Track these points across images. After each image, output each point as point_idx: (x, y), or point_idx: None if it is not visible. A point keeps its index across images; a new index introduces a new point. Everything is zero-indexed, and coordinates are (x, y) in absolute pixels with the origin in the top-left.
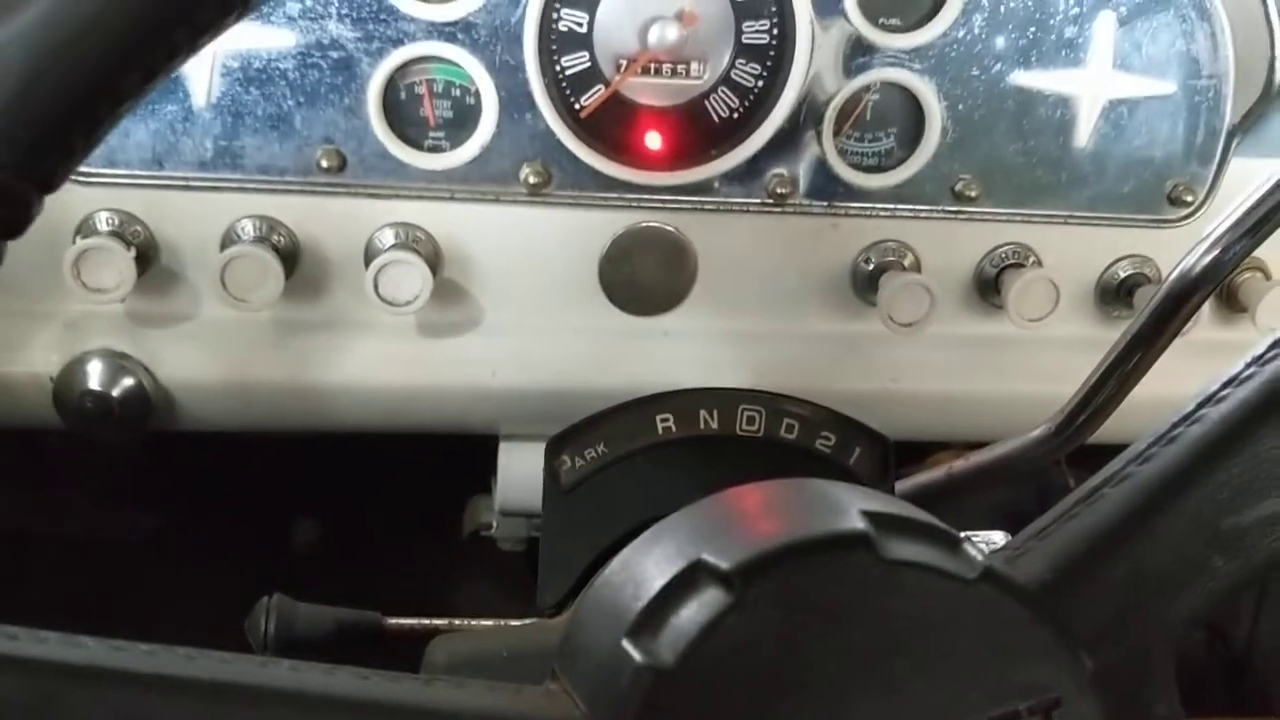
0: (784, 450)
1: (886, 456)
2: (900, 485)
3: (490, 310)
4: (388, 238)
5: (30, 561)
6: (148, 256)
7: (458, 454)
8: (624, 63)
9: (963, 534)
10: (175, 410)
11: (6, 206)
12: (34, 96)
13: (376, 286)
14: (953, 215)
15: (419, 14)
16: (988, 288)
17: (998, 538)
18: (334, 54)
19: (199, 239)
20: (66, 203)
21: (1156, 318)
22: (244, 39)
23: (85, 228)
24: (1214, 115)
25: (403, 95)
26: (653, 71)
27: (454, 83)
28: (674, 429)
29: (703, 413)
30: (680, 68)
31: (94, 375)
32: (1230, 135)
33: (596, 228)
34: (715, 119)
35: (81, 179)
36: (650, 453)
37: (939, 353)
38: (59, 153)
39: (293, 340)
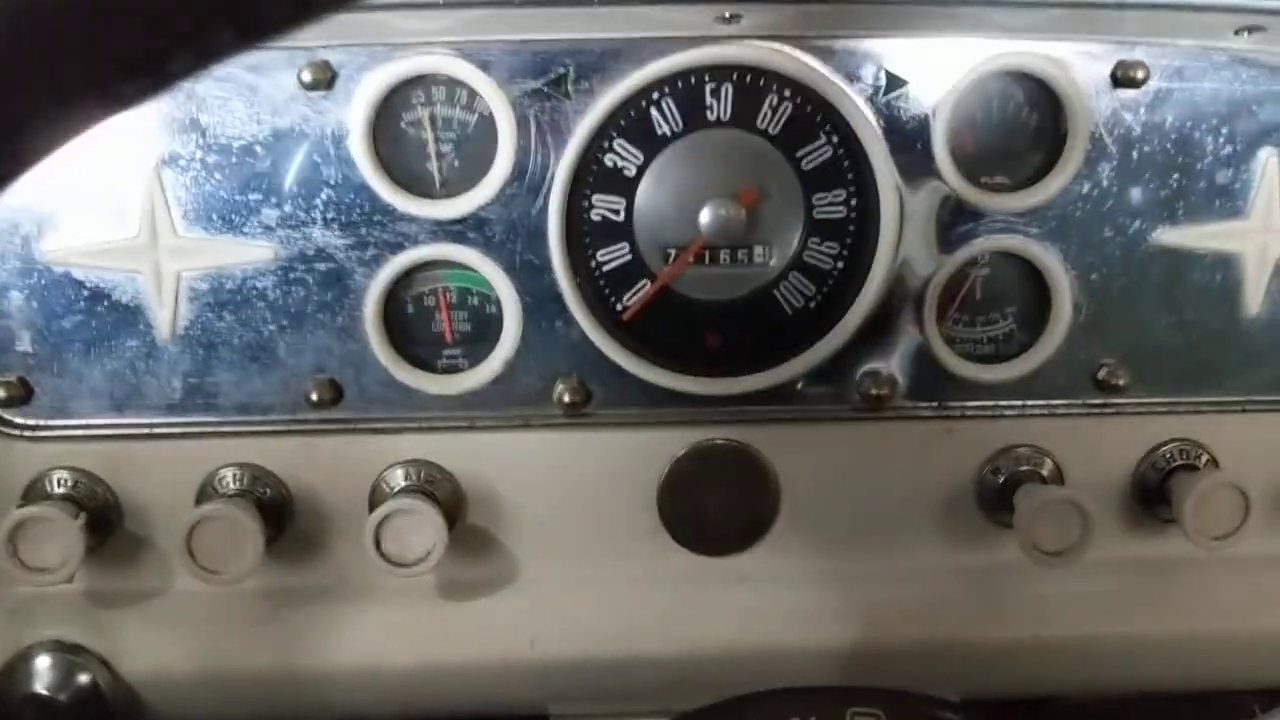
0: None
1: None
2: None
3: (525, 563)
4: (397, 479)
5: None
6: (108, 522)
7: None
8: (673, 253)
9: None
10: (142, 711)
11: None
12: None
13: (379, 543)
14: (1098, 410)
15: (420, 212)
16: (1152, 498)
17: None
18: (321, 266)
19: (170, 497)
20: (12, 463)
21: None
22: (214, 254)
23: (33, 492)
24: None
25: (409, 309)
26: (707, 260)
27: (469, 290)
28: None
29: None
30: (741, 254)
31: (39, 675)
32: None
33: (651, 451)
34: (788, 311)
35: (30, 434)
36: None
37: (1096, 584)
38: None
39: (283, 615)
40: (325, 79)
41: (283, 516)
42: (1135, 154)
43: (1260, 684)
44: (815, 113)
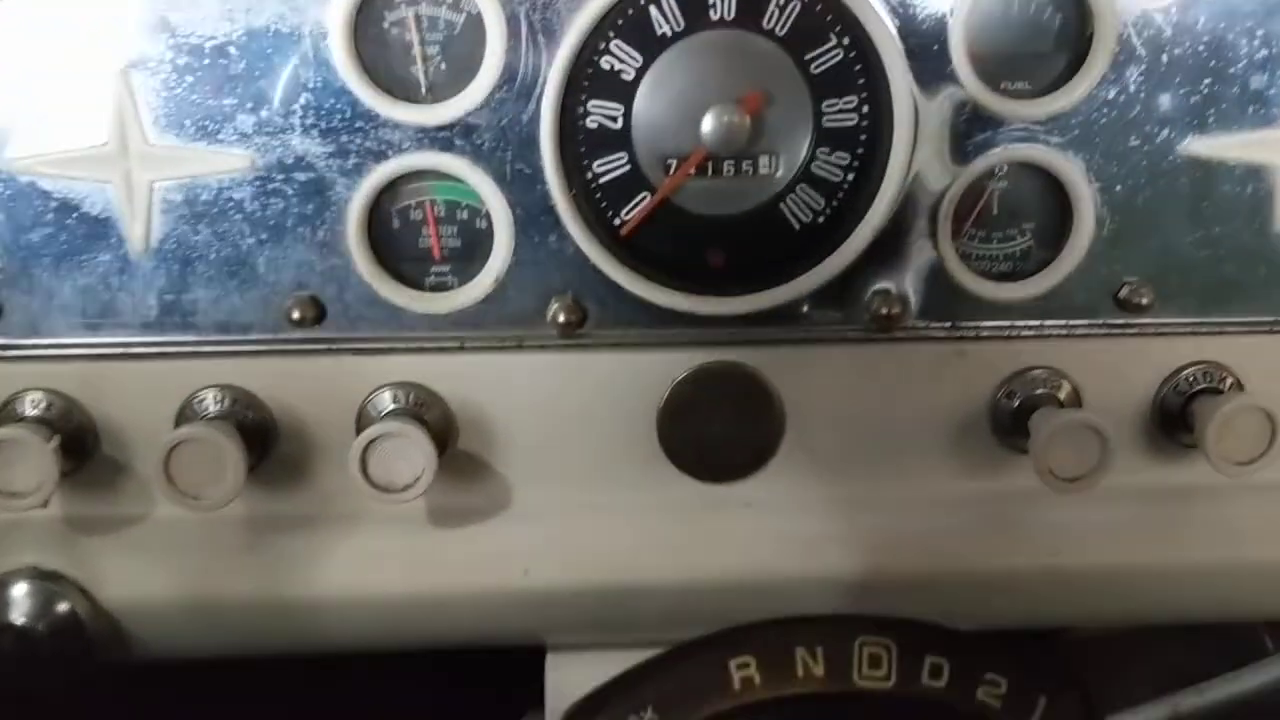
0: (930, 713)
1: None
2: None
3: (519, 489)
4: (385, 402)
5: None
6: (83, 446)
7: (498, 667)
8: (673, 163)
9: None
10: (123, 640)
11: None
12: None
13: (365, 469)
14: (1119, 330)
15: (404, 118)
16: (1174, 423)
17: None
18: (301, 176)
19: (148, 419)
20: None
21: None
22: (187, 163)
23: (4, 414)
24: None
25: (395, 223)
26: (710, 172)
27: (458, 203)
28: (758, 681)
29: (801, 654)
30: (746, 165)
31: (16, 604)
32: None
33: (650, 373)
34: (795, 226)
35: (2, 353)
36: None
37: (1113, 512)
38: None
39: (267, 542)
40: None
41: (266, 440)
42: (1165, 58)
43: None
44: (825, 12)
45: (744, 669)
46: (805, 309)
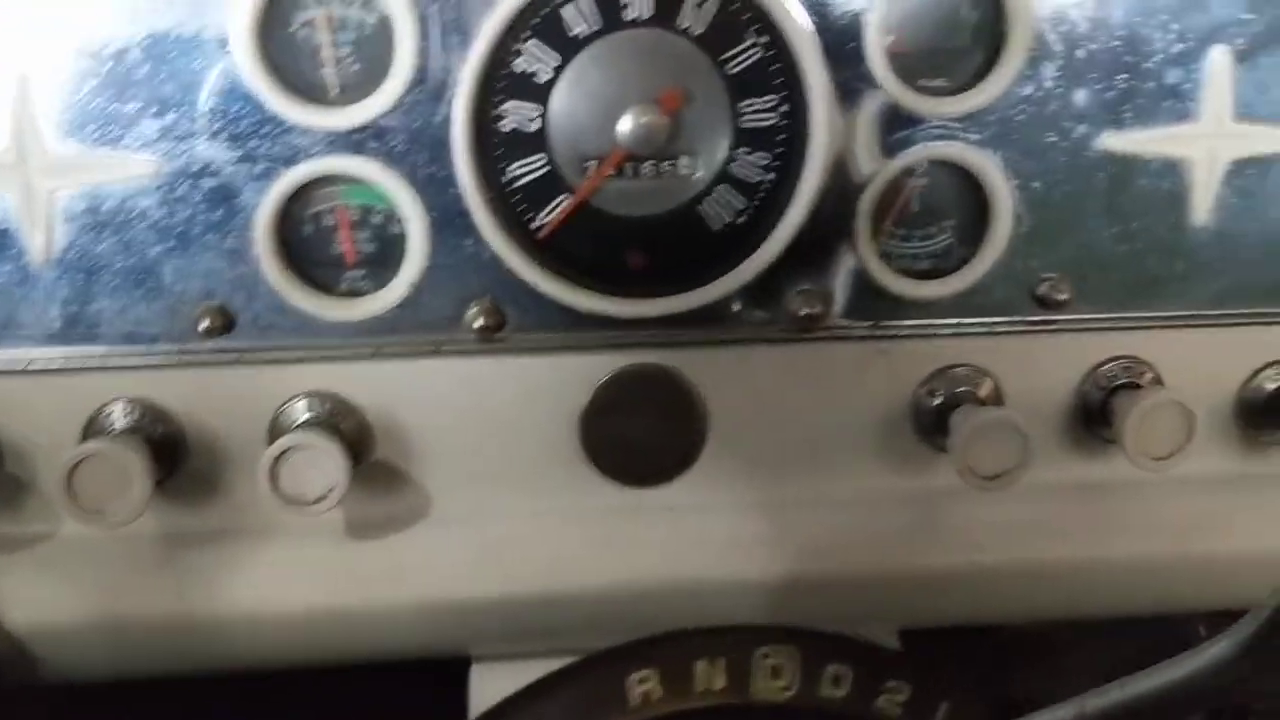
0: None
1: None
2: None
3: (440, 497)
4: (298, 412)
5: None
6: None
7: (422, 682)
8: (592, 165)
9: None
10: (31, 663)
11: None
12: None
13: (276, 481)
14: (1039, 327)
15: (313, 122)
16: (1095, 418)
17: None
18: (207, 182)
19: (54, 435)
20: None
21: None
22: (89, 171)
23: None
24: None
25: (307, 229)
26: (630, 173)
27: (372, 207)
28: (659, 695)
29: (702, 667)
30: (666, 165)
31: None
32: None
33: (572, 377)
34: (716, 226)
35: None
36: None
37: (1037, 508)
38: None
39: (180, 558)
40: None
41: (176, 453)
42: (1081, 53)
43: (1206, 606)
44: (742, 12)
45: (645, 682)
46: (727, 310)
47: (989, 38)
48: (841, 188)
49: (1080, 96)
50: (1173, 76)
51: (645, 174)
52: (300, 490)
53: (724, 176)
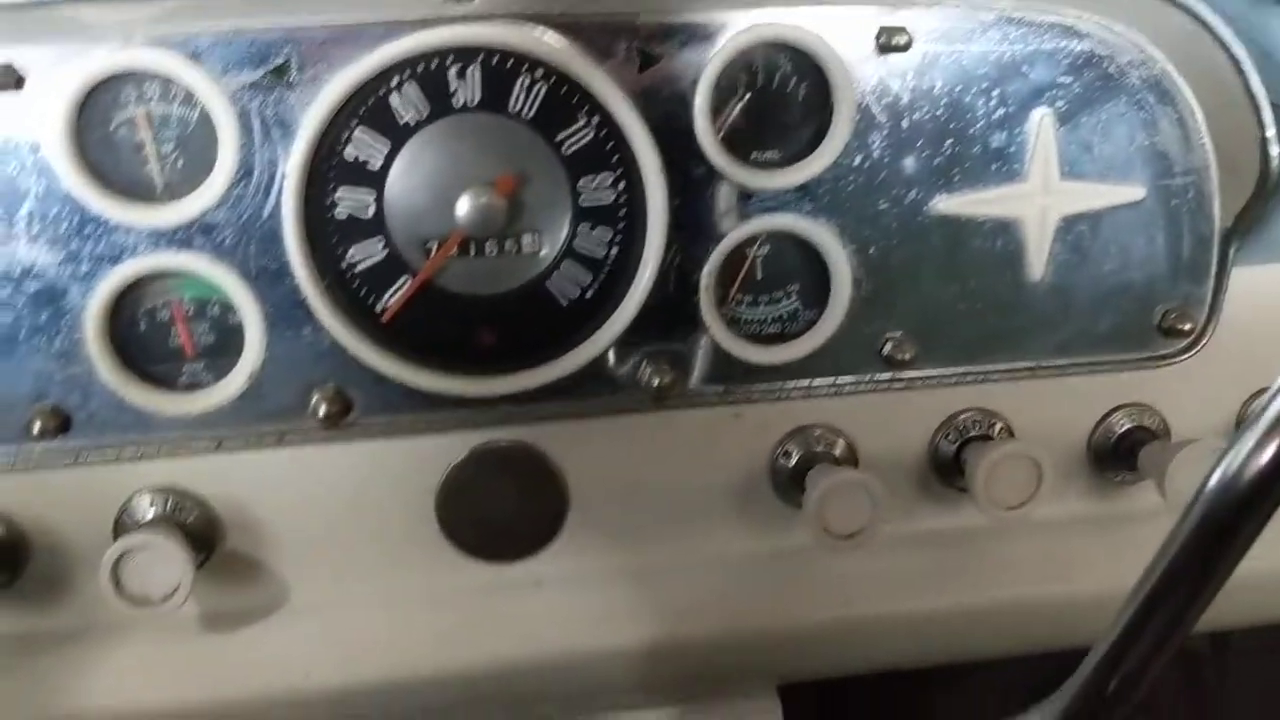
0: None
1: None
2: None
3: (296, 587)
4: (143, 508)
5: None
6: None
7: None
8: (433, 245)
9: None
10: None
11: None
12: None
13: (119, 583)
14: (886, 385)
15: (136, 220)
16: (948, 470)
17: None
18: (31, 286)
19: None
20: None
21: (1201, 536)
22: None
23: None
24: (1199, 219)
25: (141, 325)
26: (473, 252)
27: (208, 299)
28: None
29: None
30: (509, 244)
31: None
32: (1225, 240)
33: (424, 458)
34: (563, 302)
35: None
36: None
37: (900, 559)
38: None
39: (26, 663)
40: (11, 81)
41: (18, 558)
42: (906, 122)
43: (1063, 646)
44: (571, 94)
45: None
46: (581, 383)
47: (817, 111)
48: (684, 259)
49: (909, 163)
50: (998, 140)
51: (489, 253)
52: (145, 590)
53: (569, 253)
